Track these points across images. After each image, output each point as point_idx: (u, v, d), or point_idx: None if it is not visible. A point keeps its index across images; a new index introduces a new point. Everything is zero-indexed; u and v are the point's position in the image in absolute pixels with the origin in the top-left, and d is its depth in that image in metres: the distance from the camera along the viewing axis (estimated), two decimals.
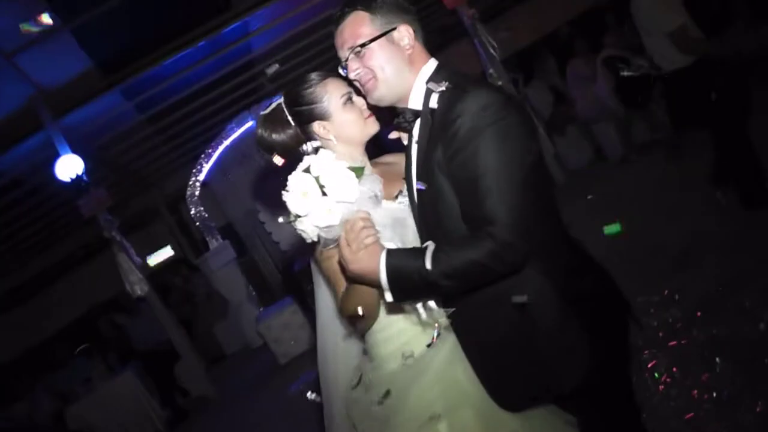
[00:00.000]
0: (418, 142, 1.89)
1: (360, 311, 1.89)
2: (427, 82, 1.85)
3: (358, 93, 2.03)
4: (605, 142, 8.35)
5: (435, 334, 1.99)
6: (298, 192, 1.83)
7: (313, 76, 2.11)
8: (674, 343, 3.68)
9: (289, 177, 1.85)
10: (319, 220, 1.82)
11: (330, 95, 2.06)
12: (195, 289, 9.99)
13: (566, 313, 1.75)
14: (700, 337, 3.61)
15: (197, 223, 9.98)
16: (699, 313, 3.78)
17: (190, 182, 9.66)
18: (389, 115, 2.01)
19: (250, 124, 9.30)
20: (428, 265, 1.66)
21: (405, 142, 2.03)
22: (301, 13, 7.00)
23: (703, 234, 4.74)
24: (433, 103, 1.81)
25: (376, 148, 2.23)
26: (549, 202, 1.86)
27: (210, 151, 9.57)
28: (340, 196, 1.81)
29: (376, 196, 1.91)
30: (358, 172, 1.85)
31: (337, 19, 1.91)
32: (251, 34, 6.86)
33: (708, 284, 4.06)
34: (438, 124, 1.78)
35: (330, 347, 2.35)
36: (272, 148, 2.14)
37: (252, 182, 9.92)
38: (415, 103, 1.89)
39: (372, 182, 1.91)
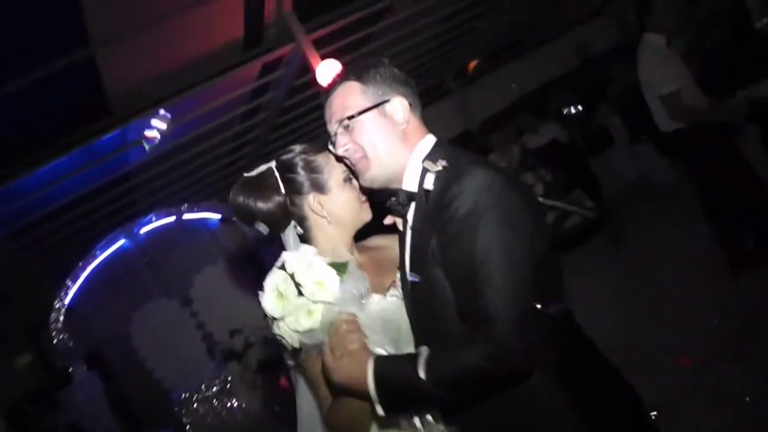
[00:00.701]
0: (412, 228, 1.70)
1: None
2: (423, 161, 1.67)
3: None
4: None
5: None
6: (272, 291, 1.64)
7: (312, 146, 1.93)
8: None
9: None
10: (297, 324, 1.63)
11: (332, 168, 1.88)
12: (56, 425, 8.90)
13: (574, 415, 1.60)
14: None
15: (60, 352, 9.04)
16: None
17: (54, 306, 8.84)
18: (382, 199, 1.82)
19: (121, 242, 8.84)
20: (421, 374, 1.44)
21: (400, 227, 1.83)
22: (182, 125, 6.77)
23: (628, 346, 4.69)
24: (429, 184, 1.62)
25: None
26: (557, 294, 1.75)
27: (77, 271, 8.87)
28: (318, 296, 1.62)
29: (361, 295, 1.70)
30: (341, 269, 1.67)
31: (328, 91, 1.74)
32: (130, 144, 6.53)
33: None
34: (432, 207, 1.59)
35: None
36: (252, 219, 1.90)
37: (124, 305, 9.37)
38: (410, 184, 1.70)
39: (356, 280, 1.71)
